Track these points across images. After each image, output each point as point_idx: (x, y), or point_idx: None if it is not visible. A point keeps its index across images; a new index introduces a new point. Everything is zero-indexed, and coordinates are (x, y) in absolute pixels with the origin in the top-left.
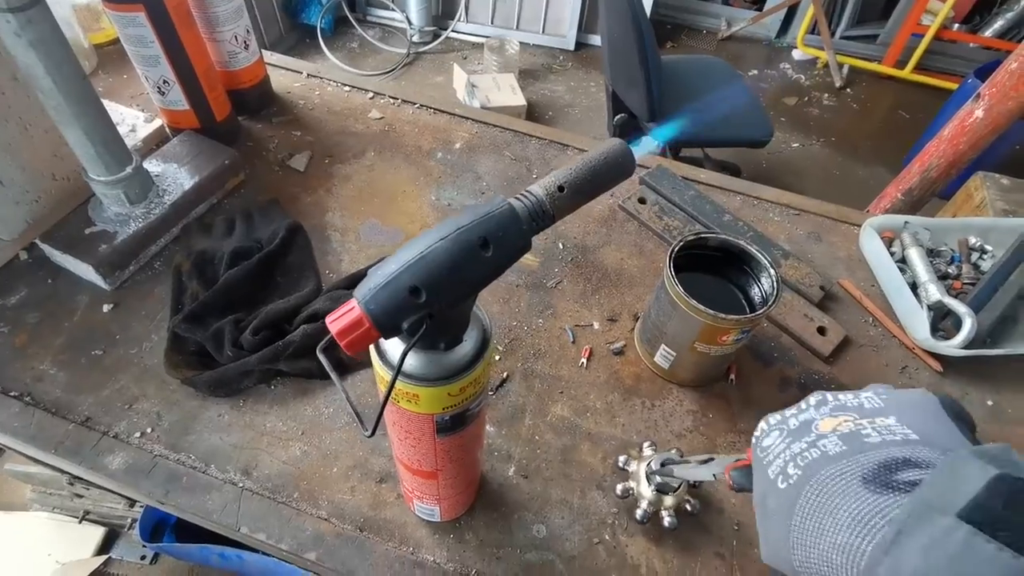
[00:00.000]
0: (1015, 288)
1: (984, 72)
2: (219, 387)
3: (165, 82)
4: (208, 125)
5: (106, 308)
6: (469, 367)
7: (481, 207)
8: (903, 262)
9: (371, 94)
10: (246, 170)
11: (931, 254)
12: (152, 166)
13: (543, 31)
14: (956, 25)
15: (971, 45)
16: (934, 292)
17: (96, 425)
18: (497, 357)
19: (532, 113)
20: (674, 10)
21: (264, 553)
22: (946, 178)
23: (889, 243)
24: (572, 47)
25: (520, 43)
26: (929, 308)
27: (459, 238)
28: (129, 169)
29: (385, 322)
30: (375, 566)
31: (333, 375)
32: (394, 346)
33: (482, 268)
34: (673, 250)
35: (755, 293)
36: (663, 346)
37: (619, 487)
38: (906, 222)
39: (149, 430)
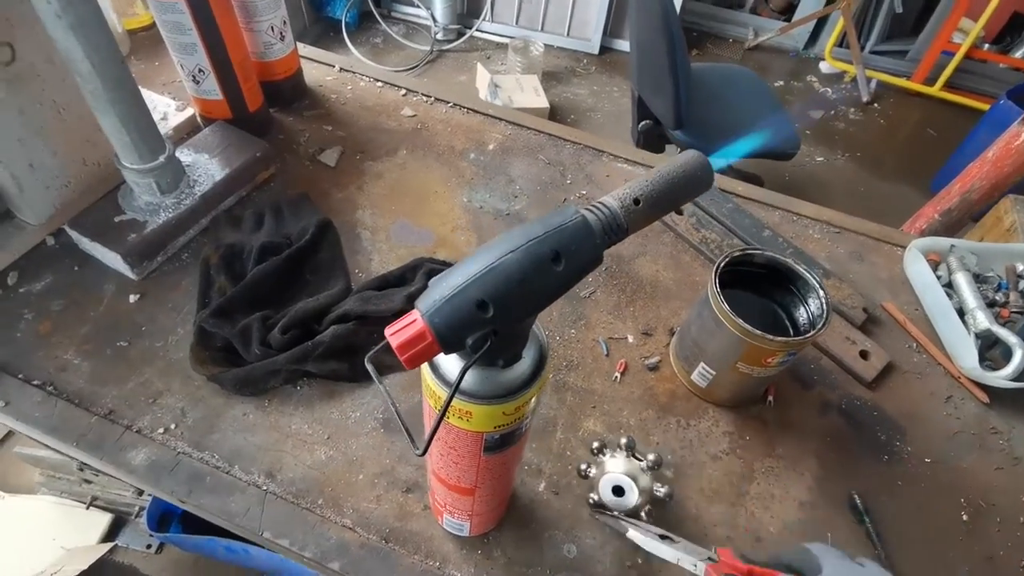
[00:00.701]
0: None
1: (1017, 93)
2: (245, 386)
3: (200, 71)
4: (240, 116)
5: (132, 298)
6: (526, 386)
7: (552, 218)
8: (949, 286)
9: (404, 91)
10: (277, 163)
11: (977, 279)
12: (183, 156)
13: (568, 34)
14: (986, 45)
15: (1001, 66)
16: (983, 320)
17: (119, 419)
18: None
19: (554, 116)
20: (701, 17)
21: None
22: (987, 200)
23: (934, 266)
24: (596, 51)
25: (544, 45)
26: (976, 336)
27: (530, 251)
28: (162, 158)
29: (449, 337)
30: None
31: (382, 388)
32: (449, 361)
33: (553, 283)
34: (719, 266)
35: (801, 314)
36: (702, 364)
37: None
38: (952, 245)
39: (173, 426)
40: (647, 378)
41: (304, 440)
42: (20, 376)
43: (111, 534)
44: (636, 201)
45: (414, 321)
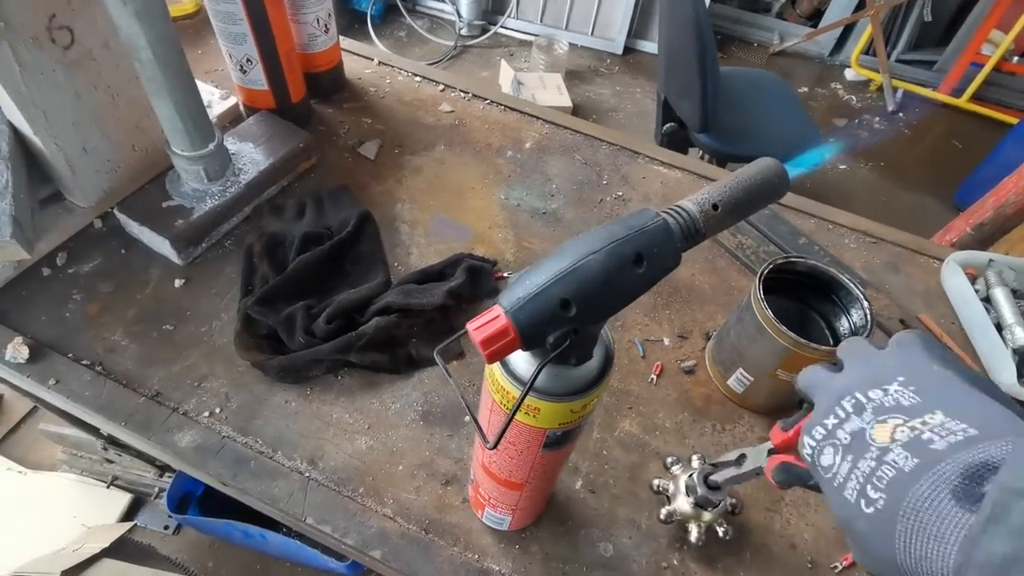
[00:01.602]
0: None
1: None
2: (289, 373)
3: (248, 60)
4: (283, 106)
5: (178, 283)
6: (595, 384)
7: (633, 220)
8: (987, 301)
9: (441, 86)
10: (317, 154)
11: (1015, 295)
12: (229, 144)
13: (592, 33)
14: (1016, 58)
15: None
16: (1021, 336)
17: (166, 401)
18: None
19: (576, 114)
20: (726, 20)
21: (286, 534)
22: (1020, 216)
23: (971, 280)
24: (620, 51)
25: (568, 43)
26: (1014, 351)
27: (614, 252)
28: (212, 146)
29: (531, 334)
30: (440, 570)
31: (452, 382)
32: (521, 356)
33: (633, 284)
34: (762, 273)
35: (842, 324)
36: (740, 370)
37: (663, 511)
38: (991, 260)
39: (218, 410)
40: (683, 381)
41: (345, 429)
42: (69, 355)
43: (130, 514)
44: (715, 207)
45: (497, 317)
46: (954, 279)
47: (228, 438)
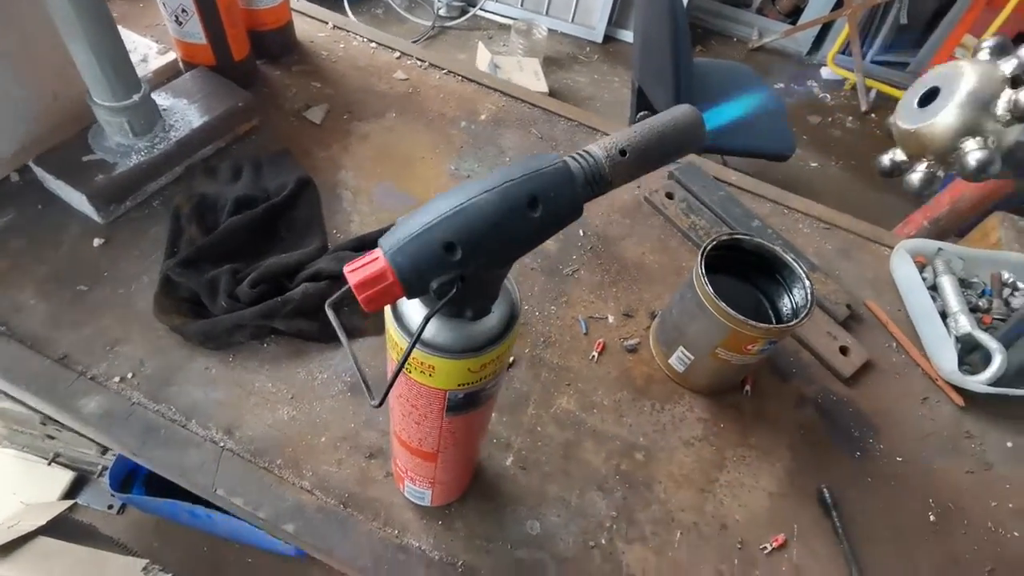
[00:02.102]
0: None
1: None
2: (209, 338)
3: (183, 11)
4: (224, 64)
5: (96, 242)
6: (495, 341)
7: (532, 161)
8: (933, 289)
9: (398, 54)
10: (260, 116)
11: (962, 284)
12: (161, 99)
13: (572, 20)
14: None
15: None
16: (964, 324)
17: (74, 364)
18: None
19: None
20: (706, 14)
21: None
22: (976, 210)
23: (920, 269)
24: (600, 39)
25: (548, 29)
26: (957, 339)
27: (506, 192)
28: (136, 97)
29: (412, 278)
30: (356, 545)
31: (341, 333)
32: (414, 310)
33: (527, 230)
34: (705, 248)
35: (784, 304)
36: (681, 348)
37: (885, 157)
38: (939, 248)
39: (129, 375)
40: (625, 359)
41: (267, 398)
42: None
43: (72, 492)
44: (622, 152)
45: (376, 259)
46: (902, 267)
47: (138, 404)
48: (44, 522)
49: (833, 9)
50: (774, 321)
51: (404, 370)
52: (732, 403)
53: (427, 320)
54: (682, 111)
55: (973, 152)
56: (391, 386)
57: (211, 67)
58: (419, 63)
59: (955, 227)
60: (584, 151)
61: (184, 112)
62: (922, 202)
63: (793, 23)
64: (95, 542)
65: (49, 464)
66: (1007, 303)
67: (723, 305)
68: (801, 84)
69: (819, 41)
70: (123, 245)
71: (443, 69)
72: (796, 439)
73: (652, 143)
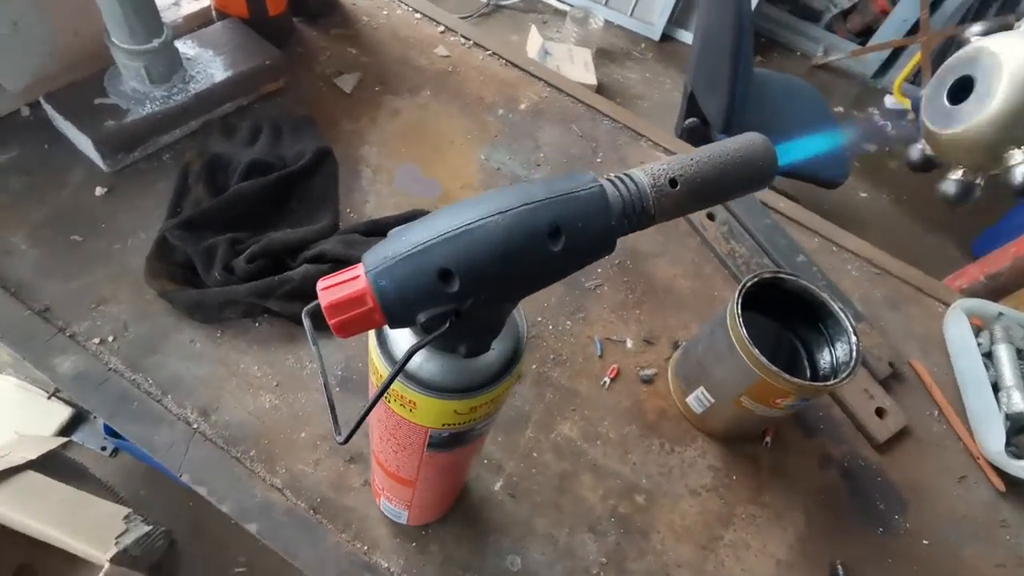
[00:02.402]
0: None
1: None
2: (198, 310)
3: None
4: (258, 17)
5: (99, 191)
6: (489, 384)
7: (561, 182)
8: (988, 357)
9: (443, 28)
10: (287, 77)
11: (1020, 356)
12: (185, 47)
13: (631, 14)
14: None
15: None
16: (1018, 401)
17: (55, 319)
18: None
19: (601, 95)
20: (772, 23)
21: None
22: None
23: (976, 332)
24: (657, 37)
25: (605, 20)
26: (1007, 417)
27: (523, 217)
28: (156, 43)
29: (397, 307)
30: (321, 557)
31: (314, 348)
32: (402, 333)
33: (544, 264)
34: (745, 285)
35: (823, 357)
36: (702, 388)
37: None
38: (1001, 313)
39: (111, 338)
40: (638, 390)
41: (250, 382)
42: None
43: (68, 429)
44: (673, 182)
45: (356, 278)
46: (957, 326)
47: (115, 371)
48: (35, 456)
49: (908, 34)
50: (809, 375)
51: (384, 399)
52: (749, 453)
53: (411, 354)
54: (751, 140)
55: (1022, 166)
56: (360, 423)
57: (244, 19)
58: (463, 40)
59: (1017, 286)
60: (626, 175)
61: (208, 64)
62: (961, 213)
63: (863, 43)
64: (83, 483)
65: (49, 398)
66: None
67: (756, 352)
68: (861, 109)
69: (887, 66)
70: (126, 197)
71: (487, 50)
72: (814, 504)
73: (710, 177)
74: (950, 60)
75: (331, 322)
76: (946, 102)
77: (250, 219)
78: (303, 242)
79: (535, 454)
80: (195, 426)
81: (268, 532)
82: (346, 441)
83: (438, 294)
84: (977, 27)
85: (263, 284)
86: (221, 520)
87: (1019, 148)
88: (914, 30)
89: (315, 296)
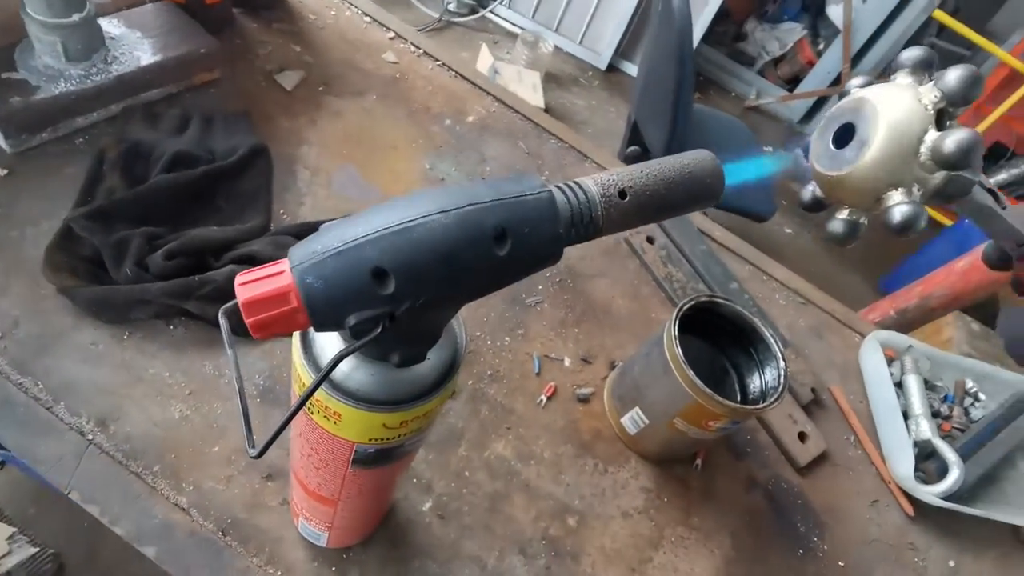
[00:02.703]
0: (1002, 448)
1: None
2: (103, 308)
3: None
4: (195, 3)
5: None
6: (423, 396)
7: (508, 183)
8: (899, 386)
9: (392, 34)
10: (224, 69)
11: (927, 385)
12: (110, 26)
13: (580, 42)
14: None
15: None
16: (925, 429)
17: None
18: None
19: None
20: (712, 64)
21: None
22: (945, 309)
23: (889, 362)
24: (604, 67)
25: (555, 45)
26: (915, 444)
27: (468, 218)
28: (77, 17)
29: (324, 308)
30: None
31: (231, 353)
32: (329, 338)
33: (487, 269)
34: (681, 308)
35: (753, 381)
36: (637, 409)
37: (807, 190)
38: (910, 345)
39: None
40: (574, 409)
41: (160, 390)
42: None
43: None
44: (622, 193)
45: (280, 273)
46: (872, 357)
47: (0, 373)
48: None
49: (831, 85)
50: (739, 398)
51: (306, 409)
52: (680, 475)
53: (337, 361)
54: (701, 157)
55: (898, 207)
56: (277, 434)
57: (179, 4)
58: (413, 48)
59: (922, 322)
60: (576, 183)
61: (135, 45)
62: (846, 249)
63: (791, 90)
64: None
65: None
66: (967, 412)
67: (691, 374)
68: (788, 151)
69: (812, 113)
70: (29, 181)
71: (437, 60)
72: (740, 526)
73: (659, 190)
74: (833, 109)
75: (249, 321)
76: (831, 146)
77: (170, 214)
78: (230, 241)
79: (467, 473)
80: (90, 437)
81: (167, 556)
82: (259, 455)
83: (371, 295)
84: (858, 80)
85: (181, 284)
86: (120, 543)
87: (897, 190)
88: (836, 82)
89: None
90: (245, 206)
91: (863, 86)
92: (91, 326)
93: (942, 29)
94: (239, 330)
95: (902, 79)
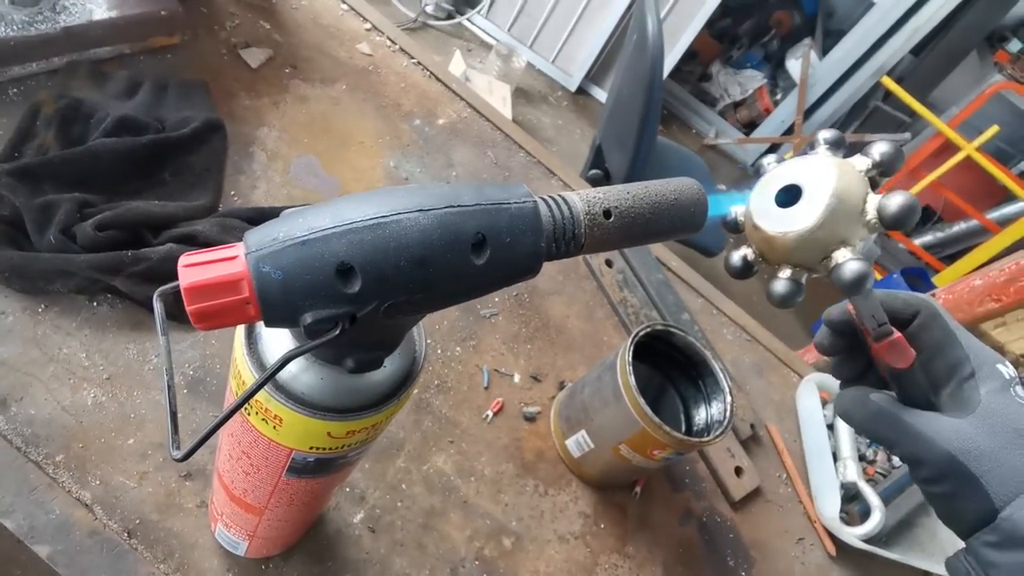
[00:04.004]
0: (918, 494)
1: (909, 273)
2: (18, 276)
3: None
4: None
5: None
6: (374, 406)
7: (493, 189)
8: (830, 428)
9: (369, 25)
10: (185, 35)
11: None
12: None
13: (553, 61)
14: None
15: (901, 246)
16: (852, 472)
17: None
18: None
19: None
20: (676, 100)
21: None
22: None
23: (823, 404)
24: (573, 89)
25: (528, 62)
26: (842, 486)
27: (446, 220)
28: None
29: (279, 301)
30: None
31: (162, 340)
32: (276, 335)
33: (462, 277)
34: (637, 335)
35: (699, 413)
36: (583, 432)
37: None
38: None
39: None
40: (520, 427)
41: (73, 371)
42: None
43: None
44: (607, 213)
45: (233, 259)
46: (807, 398)
47: None
48: None
49: (784, 134)
50: (684, 427)
51: (244, 411)
52: (618, 502)
53: (287, 361)
54: (688, 185)
55: (849, 264)
56: (207, 436)
57: None
58: (389, 43)
59: None
60: (561, 197)
61: None
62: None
63: (747, 134)
64: None
65: None
66: (890, 458)
67: (642, 402)
68: (740, 192)
69: (764, 156)
70: None
71: (413, 58)
72: (673, 557)
73: (643, 213)
74: (770, 172)
75: (190, 308)
76: (773, 204)
77: (108, 182)
78: (171, 218)
79: (404, 486)
80: None
81: (62, 558)
82: (184, 458)
83: (333, 293)
84: (772, 156)
85: (111, 257)
86: (7, 539)
87: (844, 247)
88: (790, 131)
89: (175, 278)
90: (193, 183)
91: (778, 162)
92: (2, 294)
93: (888, 95)
94: (174, 315)
95: (823, 152)
